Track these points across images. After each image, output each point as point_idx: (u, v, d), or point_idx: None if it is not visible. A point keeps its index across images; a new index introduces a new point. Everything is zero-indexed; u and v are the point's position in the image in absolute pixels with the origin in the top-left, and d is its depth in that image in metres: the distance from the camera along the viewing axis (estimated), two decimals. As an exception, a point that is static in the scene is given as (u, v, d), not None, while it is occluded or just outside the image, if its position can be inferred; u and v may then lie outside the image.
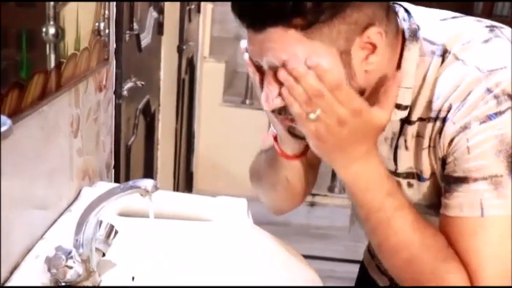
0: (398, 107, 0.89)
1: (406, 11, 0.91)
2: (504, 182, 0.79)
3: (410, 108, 0.89)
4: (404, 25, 0.89)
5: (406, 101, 0.88)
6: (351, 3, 0.78)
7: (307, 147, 0.96)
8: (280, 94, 0.82)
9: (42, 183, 1.06)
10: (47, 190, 1.09)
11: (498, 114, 0.79)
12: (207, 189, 3.46)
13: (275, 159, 1.01)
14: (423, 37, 0.88)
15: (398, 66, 0.87)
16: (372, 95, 0.86)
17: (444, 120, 0.84)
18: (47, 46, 0.99)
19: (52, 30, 1.03)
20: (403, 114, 0.89)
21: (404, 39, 0.88)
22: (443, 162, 0.86)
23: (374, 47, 0.81)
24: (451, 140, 0.83)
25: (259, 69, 0.86)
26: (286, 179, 1.03)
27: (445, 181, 0.85)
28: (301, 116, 0.82)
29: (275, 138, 1.00)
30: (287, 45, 0.79)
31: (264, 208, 1.15)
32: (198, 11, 3.17)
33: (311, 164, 1.04)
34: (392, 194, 0.86)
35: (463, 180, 0.82)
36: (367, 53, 0.82)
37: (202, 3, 3.24)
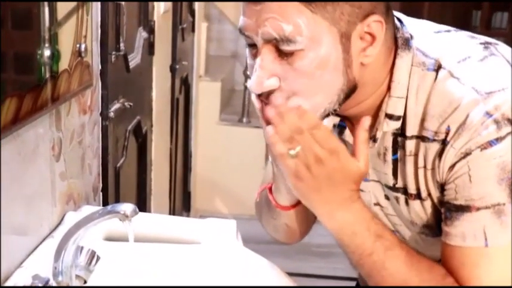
0: (390, 117, 0.87)
1: (399, 20, 0.89)
2: (506, 210, 0.78)
3: (403, 121, 0.86)
4: (397, 33, 0.87)
5: (398, 111, 0.86)
6: None
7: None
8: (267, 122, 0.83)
9: (21, 209, 1.03)
10: (26, 216, 1.06)
11: (499, 140, 0.77)
12: (206, 208, 3.43)
13: (272, 207, 1.00)
14: (416, 47, 0.86)
15: (391, 75, 0.86)
16: (360, 96, 0.85)
17: (443, 143, 0.82)
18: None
19: (47, 52, 1.03)
20: (396, 124, 0.87)
21: (396, 48, 0.86)
22: (442, 187, 0.84)
23: (373, 38, 0.81)
24: (452, 166, 0.81)
25: (251, 50, 0.84)
26: (285, 225, 1.02)
27: (446, 208, 0.84)
28: (282, 154, 0.82)
29: (270, 189, 0.98)
30: (289, 15, 0.77)
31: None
32: (193, 30, 3.16)
33: None
34: (381, 236, 0.85)
35: (465, 208, 0.80)
36: (366, 44, 0.81)
37: (197, 23, 3.23)
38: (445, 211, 0.84)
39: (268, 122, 0.83)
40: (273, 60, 0.80)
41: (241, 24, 0.82)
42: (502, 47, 0.87)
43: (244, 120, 3.58)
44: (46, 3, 1.03)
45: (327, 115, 0.85)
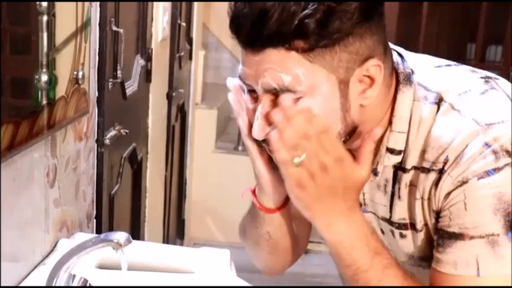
0: (392, 151, 0.87)
1: (400, 55, 0.90)
2: (500, 241, 0.78)
3: (404, 154, 0.86)
4: (398, 68, 0.87)
5: (400, 145, 0.86)
6: (354, 32, 0.77)
7: (287, 199, 0.93)
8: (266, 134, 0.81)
9: (13, 236, 1.02)
10: (19, 242, 1.05)
11: (496, 170, 0.77)
12: (200, 237, 3.41)
13: (255, 214, 0.98)
14: (417, 82, 0.87)
15: (392, 109, 0.86)
16: (359, 133, 0.85)
17: (440, 172, 0.82)
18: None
19: (45, 78, 1.03)
20: (397, 159, 0.87)
21: (398, 83, 0.86)
22: (438, 215, 0.84)
23: (372, 80, 0.81)
24: (448, 194, 0.81)
25: (251, 94, 0.84)
26: (268, 234, 0.99)
27: (439, 235, 0.83)
28: (285, 161, 0.80)
29: (253, 192, 0.96)
30: (288, 66, 0.77)
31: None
32: (190, 58, 3.18)
33: (301, 218, 1.02)
34: (379, 253, 0.84)
35: (458, 236, 0.80)
36: (365, 87, 0.81)
37: (194, 51, 3.25)
38: (437, 238, 0.83)
39: (270, 123, 0.80)
40: (273, 107, 0.80)
41: (241, 73, 0.83)
42: (502, 81, 0.88)
43: (240, 148, 3.57)
44: (45, 29, 1.03)
45: None
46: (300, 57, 0.76)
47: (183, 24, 2.76)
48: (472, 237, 0.79)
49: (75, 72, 1.21)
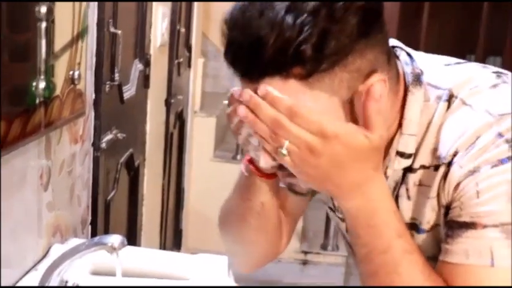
0: (402, 155, 0.83)
1: (409, 55, 0.86)
2: None
3: (414, 156, 0.83)
4: (407, 69, 0.84)
5: (410, 148, 0.83)
6: (353, 50, 0.72)
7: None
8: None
9: (4, 240, 0.98)
10: (9, 247, 1.01)
11: (510, 158, 0.73)
12: (197, 246, 3.36)
13: (249, 185, 0.91)
14: (427, 82, 0.83)
15: (402, 111, 0.82)
16: None
17: (449, 165, 0.78)
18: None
19: (42, 85, 1.01)
20: (407, 162, 0.83)
21: (407, 84, 0.83)
22: (447, 208, 0.79)
23: None
24: (457, 185, 0.77)
25: None
26: (261, 205, 0.91)
27: (448, 226, 0.78)
28: (274, 153, 0.75)
29: (250, 161, 0.88)
30: (287, 94, 0.73)
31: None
32: (189, 65, 3.15)
33: (291, 213, 0.98)
34: (402, 235, 0.78)
35: (470, 225, 0.75)
36: None
37: (193, 58, 3.22)
38: (447, 230, 0.79)
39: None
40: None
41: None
42: None
43: (239, 157, 3.54)
44: (43, 35, 1.01)
45: None
46: (298, 84, 0.72)
47: (182, 30, 2.74)
48: (485, 226, 0.74)
49: (71, 72, 1.17)
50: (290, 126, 0.73)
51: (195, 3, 3.16)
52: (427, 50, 0.95)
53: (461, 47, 4.52)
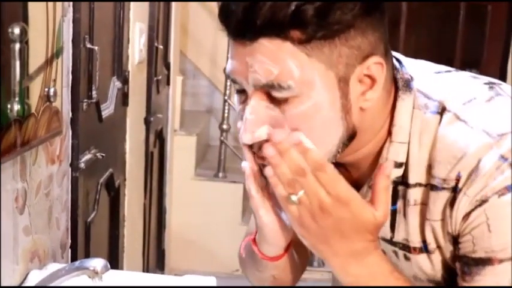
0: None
1: (398, 60, 0.83)
2: None
3: (406, 167, 0.79)
4: (397, 75, 0.81)
5: (401, 157, 0.79)
6: (355, 25, 0.70)
7: (289, 244, 0.87)
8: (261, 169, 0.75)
9: (-23, 268, 0.93)
10: (-16, 275, 0.95)
11: None
12: (181, 267, 3.30)
13: (257, 259, 0.90)
14: (417, 88, 0.80)
15: (391, 118, 0.80)
16: (358, 143, 0.78)
17: (454, 190, 0.75)
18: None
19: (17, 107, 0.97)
20: (398, 172, 0.80)
21: (397, 89, 0.80)
22: (455, 239, 0.77)
23: (373, 81, 0.74)
24: (467, 215, 0.74)
25: (240, 96, 0.77)
26: (272, 277, 0.92)
27: (463, 262, 0.76)
28: (284, 198, 0.74)
29: (253, 240, 0.89)
30: (281, 58, 0.69)
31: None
32: (168, 83, 3.10)
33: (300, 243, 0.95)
34: None
35: (486, 262, 0.74)
36: (365, 88, 0.74)
37: (172, 76, 3.18)
38: (461, 266, 0.77)
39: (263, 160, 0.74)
40: (264, 108, 0.73)
41: (229, 68, 0.75)
42: (505, 86, 0.82)
43: (220, 175, 3.49)
44: (17, 57, 0.97)
45: None
46: (295, 49, 0.69)
47: (161, 47, 2.70)
48: (501, 261, 0.72)
49: (46, 89, 1.12)
50: (310, 179, 0.72)
51: (172, 21, 3.12)
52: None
53: (439, 59, 4.54)
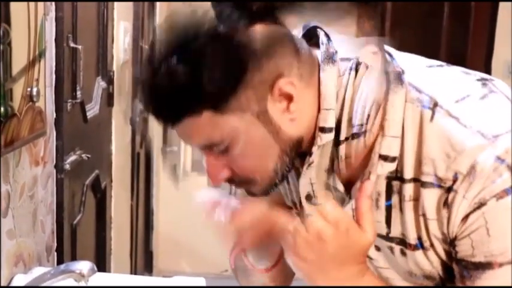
0: (385, 158, 0.78)
1: (389, 54, 0.82)
2: None
3: (399, 161, 0.78)
4: (388, 68, 0.80)
5: (394, 151, 0.78)
6: (246, 69, 0.74)
7: (280, 256, 0.88)
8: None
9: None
10: (-33, 280, 0.93)
11: None
12: (169, 268, 3.28)
13: (247, 271, 0.92)
14: (409, 82, 0.79)
15: (384, 112, 0.78)
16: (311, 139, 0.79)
17: (449, 190, 0.74)
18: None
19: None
20: (391, 167, 0.78)
21: (388, 82, 0.79)
22: (452, 241, 0.77)
23: (290, 97, 0.76)
24: (465, 218, 0.73)
25: None
26: (264, 285, 0.94)
27: (462, 266, 0.76)
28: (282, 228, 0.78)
29: (244, 253, 0.91)
30: (202, 126, 0.76)
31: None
32: (153, 83, 3.08)
33: None
34: None
35: (486, 266, 0.73)
36: (286, 104, 0.77)
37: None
38: (461, 269, 0.76)
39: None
40: (216, 157, 0.80)
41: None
42: (498, 82, 0.80)
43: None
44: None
45: (287, 171, 0.81)
46: (210, 115, 0.75)
47: (146, 46, 2.67)
48: (501, 265, 0.72)
49: (29, 89, 1.10)
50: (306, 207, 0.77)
51: (157, 20, 3.10)
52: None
53: (423, 56, 4.56)
